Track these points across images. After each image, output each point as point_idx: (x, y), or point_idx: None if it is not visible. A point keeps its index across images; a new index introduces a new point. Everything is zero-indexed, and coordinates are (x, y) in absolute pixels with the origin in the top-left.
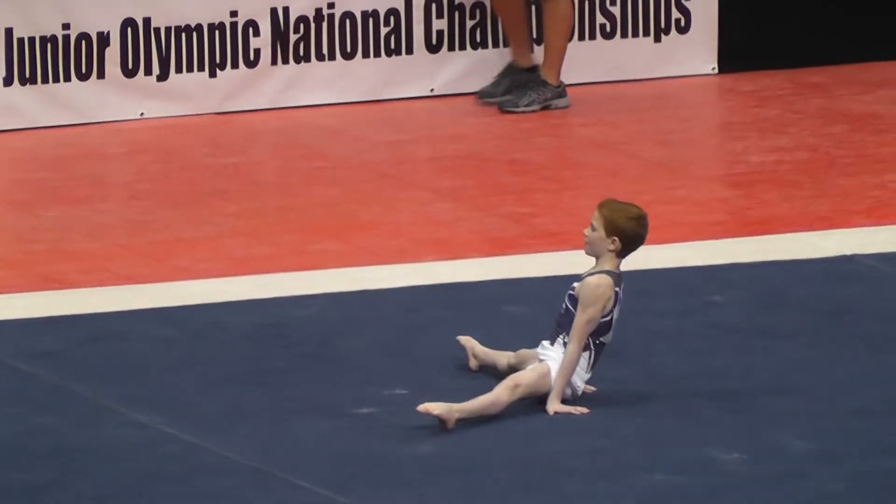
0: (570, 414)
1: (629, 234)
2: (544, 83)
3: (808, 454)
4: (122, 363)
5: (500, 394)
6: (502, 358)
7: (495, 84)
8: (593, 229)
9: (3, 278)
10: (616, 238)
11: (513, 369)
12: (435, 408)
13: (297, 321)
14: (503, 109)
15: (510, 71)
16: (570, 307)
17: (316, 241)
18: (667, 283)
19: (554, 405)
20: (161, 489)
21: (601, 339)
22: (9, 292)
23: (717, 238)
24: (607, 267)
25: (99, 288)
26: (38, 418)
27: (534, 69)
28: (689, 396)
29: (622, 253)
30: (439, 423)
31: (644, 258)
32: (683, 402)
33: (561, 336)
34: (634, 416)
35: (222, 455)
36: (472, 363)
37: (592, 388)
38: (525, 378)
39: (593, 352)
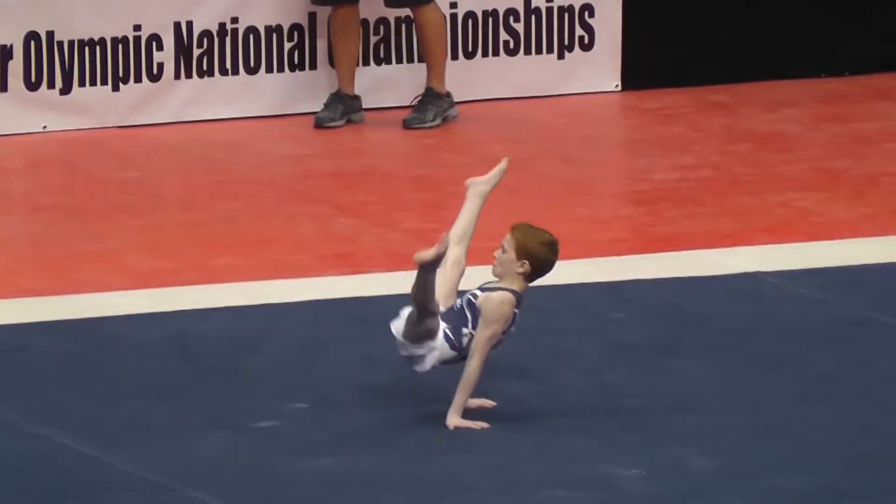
0: (470, 429)
1: (540, 259)
2: (438, 95)
3: (708, 471)
4: (22, 376)
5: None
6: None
7: (332, 109)
8: (504, 251)
9: None
10: (526, 262)
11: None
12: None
13: (198, 335)
14: (409, 126)
15: (341, 97)
16: (466, 311)
17: (218, 255)
18: (568, 299)
19: (454, 420)
20: (62, 503)
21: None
22: None
23: (619, 255)
24: (514, 286)
25: None
26: None
27: (357, 97)
28: (589, 413)
29: (530, 277)
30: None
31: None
32: (583, 419)
33: (445, 325)
34: (534, 432)
35: (123, 469)
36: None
37: (492, 403)
38: (450, 277)
39: None
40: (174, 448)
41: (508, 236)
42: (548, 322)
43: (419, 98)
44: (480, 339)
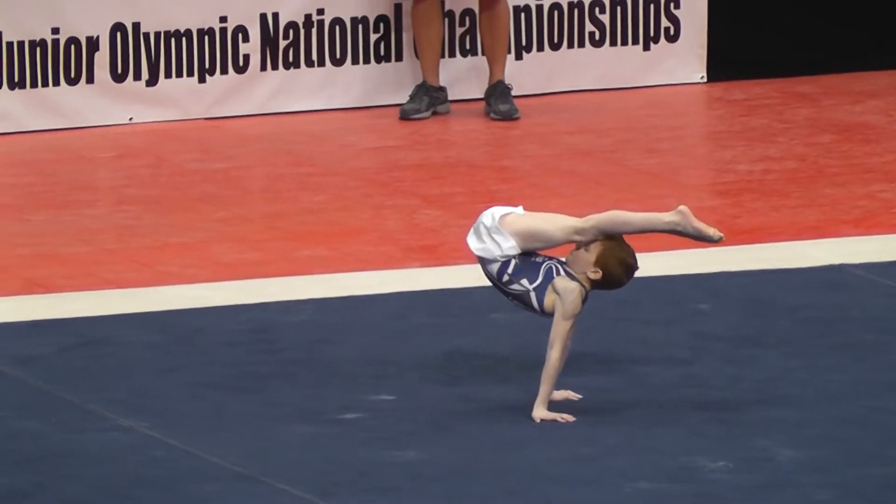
0: (556, 421)
1: (613, 276)
2: (508, 86)
3: (795, 463)
4: (108, 368)
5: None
6: None
7: (417, 101)
8: (586, 249)
9: None
10: (600, 271)
11: None
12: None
13: (283, 327)
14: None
15: (426, 89)
16: (542, 274)
17: (303, 247)
18: (654, 291)
19: (539, 412)
20: (146, 494)
21: (516, 300)
22: None
23: (704, 247)
24: (587, 285)
25: (85, 292)
26: (22, 423)
27: (443, 89)
28: (675, 405)
29: (596, 284)
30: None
31: None
32: (670, 411)
33: (516, 259)
34: (620, 423)
35: (207, 460)
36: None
37: (578, 396)
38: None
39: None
40: (258, 439)
41: (599, 241)
42: (634, 314)
43: (497, 91)
44: (560, 330)
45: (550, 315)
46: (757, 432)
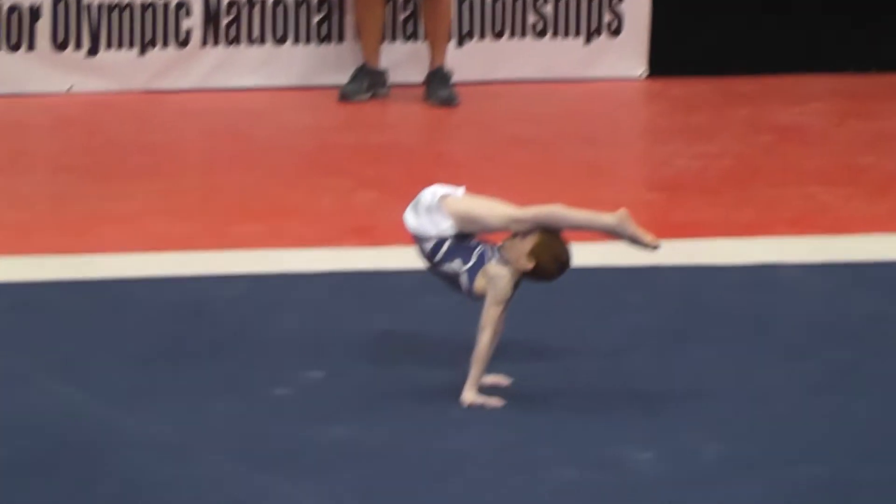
0: (484, 405)
1: (545, 270)
2: (448, 72)
3: (721, 458)
4: (38, 334)
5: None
6: None
7: (358, 83)
8: (523, 239)
9: None
10: (532, 262)
11: None
12: None
13: (215, 301)
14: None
15: (367, 71)
16: (475, 256)
17: (238, 222)
18: (587, 282)
19: (469, 396)
20: (75, 461)
21: (447, 281)
22: None
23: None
24: (518, 274)
25: (17, 257)
26: None
27: (383, 72)
28: (604, 395)
29: (528, 275)
30: None
31: None
32: (599, 401)
33: (451, 239)
34: (549, 411)
35: (134, 430)
36: None
37: (508, 381)
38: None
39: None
40: (188, 410)
41: (537, 233)
42: (566, 303)
43: (437, 77)
44: (491, 314)
45: (480, 298)
46: (684, 426)
